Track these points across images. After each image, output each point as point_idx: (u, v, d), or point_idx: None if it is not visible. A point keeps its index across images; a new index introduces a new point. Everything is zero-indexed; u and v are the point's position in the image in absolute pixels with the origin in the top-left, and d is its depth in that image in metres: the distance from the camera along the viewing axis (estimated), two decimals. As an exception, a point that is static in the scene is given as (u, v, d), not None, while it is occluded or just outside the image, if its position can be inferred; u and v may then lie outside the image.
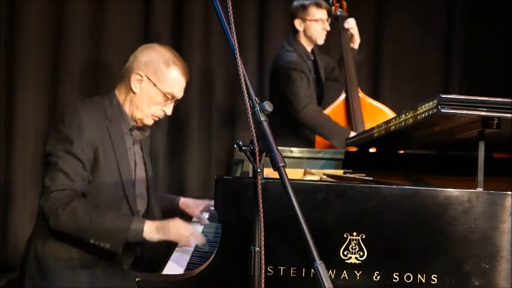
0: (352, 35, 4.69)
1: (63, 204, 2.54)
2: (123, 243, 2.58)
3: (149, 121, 2.87)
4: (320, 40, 4.59)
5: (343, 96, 4.63)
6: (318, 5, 4.49)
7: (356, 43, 4.71)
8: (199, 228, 3.03)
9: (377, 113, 4.55)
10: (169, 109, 2.87)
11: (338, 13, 4.65)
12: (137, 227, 2.56)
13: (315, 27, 4.52)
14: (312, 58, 4.66)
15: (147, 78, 2.77)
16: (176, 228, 2.59)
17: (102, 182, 2.70)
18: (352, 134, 4.35)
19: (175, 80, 2.81)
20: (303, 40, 4.58)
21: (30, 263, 2.70)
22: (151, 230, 2.58)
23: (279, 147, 1.68)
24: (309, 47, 4.61)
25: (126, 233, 2.56)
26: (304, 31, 4.55)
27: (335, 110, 4.59)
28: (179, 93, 2.85)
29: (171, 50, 2.88)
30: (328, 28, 4.56)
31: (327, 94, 4.81)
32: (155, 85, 2.77)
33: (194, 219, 3.10)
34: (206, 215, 3.10)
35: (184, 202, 3.19)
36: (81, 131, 2.65)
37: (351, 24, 4.67)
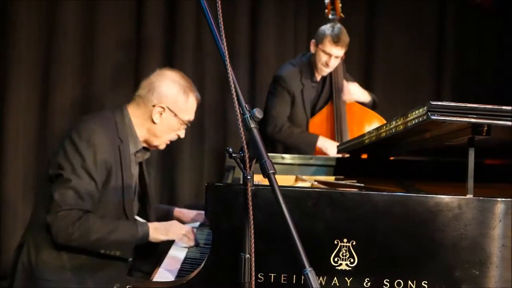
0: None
1: (72, 223, 2.56)
2: (132, 249, 2.68)
3: (163, 146, 2.99)
4: (320, 72, 4.50)
5: (329, 103, 4.59)
6: (336, 41, 4.31)
7: (365, 101, 4.61)
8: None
9: (366, 118, 4.56)
10: (182, 133, 2.97)
11: (330, 16, 4.59)
12: (143, 232, 2.67)
13: (321, 57, 4.40)
14: (315, 83, 4.56)
15: (168, 109, 2.84)
16: (177, 228, 2.74)
17: (107, 200, 2.73)
18: (323, 139, 4.38)
19: (193, 108, 2.93)
20: (313, 63, 4.50)
21: (22, 272, 2.69)
22: (156, 232, 2.70)
23: (270, 154, 1.68)
24: (316, 72, 4.52)
25: (135, 240, 2.66)
26: (314, 55, 4.47)
27: (319, 116, 4.57)
28: (193, 117, 2.96)
29: (184, 76, 2.97)
30: (329, 67, 4.42)
31: None
32: (176, 115, 2.86)
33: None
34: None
35: (179, 211, 3.28)
36: (98, 150, 2.67)
37: (349, 95, 4.55)
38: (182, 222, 3.09)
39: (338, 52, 4.37)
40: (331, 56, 4.37)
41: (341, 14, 4.60)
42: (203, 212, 3.16)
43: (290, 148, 4.42)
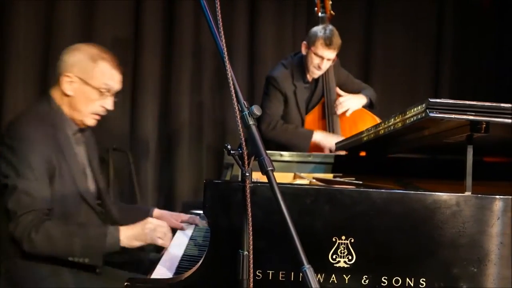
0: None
1: (35, 227, 2.50)
2: (101, 256, 2.58)
3: (91, 121, 2.84)
4: (311, 74, 4.50)
5: (321, 102, 4.59)
6: (327, 43, 4.30)
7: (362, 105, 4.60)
8: (188, 231, 3.02)
9: (358, 116, 4.56)
10: (108, 104, 2.83)
11: (320, 14, 4.56)
12: (113, 239, 2.56)
13: (313, 59, 4.38)
14: (308, 83, 4.56)
15: (77, 78, 2.74)
16: (150, 231, 2.59)
17: (60, 191, 2.65)
18: (319, 133, 4.40)
19: (105, 73, 2.78)
20: (305, 64, 4.49)
21: (4, 282, 2.66)
22: (127, 238, 2.59)
23: (269, 151, 1.68)
24: (307, 74, 4.52)
25: (103, 246, 2.56)
26: (305, 56, 4.45)
27: (312, 115, 4.57)
28: (114, 85, 2.81)
29: (96, 46, 2.85)
30: (321, 69, 4.42)
31: None
32: (86, 82, 2.74)
33: (178, 231, 3.03)
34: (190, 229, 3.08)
35: (160, 214, 3.13)
36: (34, 145, 2.59)
37: (342, 109, 4.53)
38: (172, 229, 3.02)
39: (330, 54, 4.36)
40: (323, 59, 4.36)
41: (332, 12, 4.59)
42: (185, 215, 3.11)
43: (283, 147, 4.37)
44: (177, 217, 3.09)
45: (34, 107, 2.80)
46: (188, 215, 3.11)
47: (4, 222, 2.63)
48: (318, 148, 4.37)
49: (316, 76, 4.51)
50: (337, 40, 4.34)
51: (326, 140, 4.34)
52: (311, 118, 4.57)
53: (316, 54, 4.36)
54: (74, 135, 2.79)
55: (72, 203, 2.69)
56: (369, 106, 4.64)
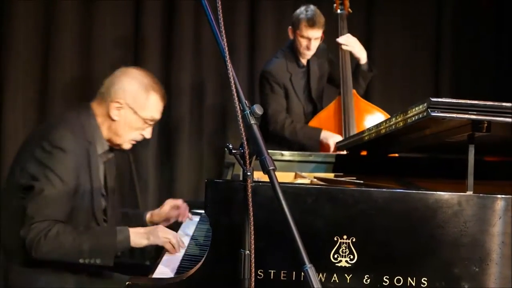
0: (350, 53, 4.53)
1: (44, 234, 2.48)
2: (113, 256, 2.56)
3: (128, 146, 2.87)
4: (304, 56, 4.52)
5: (337, 98, 4.59)
6: (310, 24, 4.33)
7: (361, 60, 4.56)
8: (189, 231, 3.02)
9: (371, 115, 4.53)
10: (148, 133, 2.87)
11: (339, 11, 4.57)
12: (123, 237, 2.57)
13: (300, 42, 4.42)
14: (302, 67, 4.58)
15: (127, 105, 2.75)
16: (163, 233, 2.61)
17: (76, 206, 2.65)
18: (326, 133, 4.39)
19: (154, 105, 2.82)
20: (295, 49, 4.51)
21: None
22: (138, 237, 2.59)
23: (270, 150, 1.68)
24: (300, 57, 4.54)
25: (114, 246, 2.56)
26: (294, 41, 4.48)
27: (327, 112, 4.57)
28: (158, 117, 2.86)
29: (149, 74, 2.87)
30: (310, 50, 4.44)
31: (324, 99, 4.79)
32: (135, 112, 2.77)
33: (179, 231, 3.04)
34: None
35: (150, 214, 3.13)
36: (70, 155, 2.59)
37: (344, 41, 4.50)
38: (157, 223, 3.01)
39: (315, 34, 4.39)
40: (310, 39, 4.39)
41: (349, 10, 4.61)
42: (176, 202, 3.10)
43: (295, 144, 4.42)
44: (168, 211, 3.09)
45: (76, 116, 2.77)
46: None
47: (11, 221, 2.62)
48: (327, 147, 4.36)
49: (308, 57, 4.53)
50: (319, 19, 4.38)
51: (332, 139, 4.34)
52: (326, 115, 4.55)
53: (302, 36, 4.40)
54: (101, 154, 2.80)
55: (83, 219, 2.69)
56: (368, 71, 4.61)
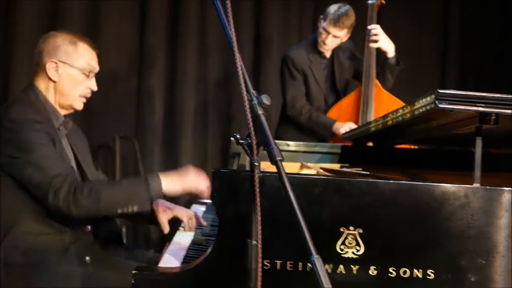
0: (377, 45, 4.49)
1: (77, 188, 2.45)
2: (149, 201, 2.53)
3: (79, 104, 2.82)
4: (321, 49, 4.57)
5: (359, 87, 4.58)
6: (335, 22, 4.37)
7: (388, 53, 4.52)
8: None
9: (392, 107, 4.51)
10: (93, 85, 2.83)
11: (369, 1, 4.58)
12: (155, 182, 2.54)
13: (321, 33, 4.49)
14: (324, 58, 4.63)
15: (61, 62, 2.74)
16: (193, 178, 2.61)
17: None
18: (339, 124, 4.42)
19: (86, 54, 2.79)
20: (317, 38, 4.57)
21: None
22: (169, 182, 2.57)
23: (275, 141, 1.68)
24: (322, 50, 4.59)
25: (148, 190, 2.52)
26: (319, 30, 4.54)
27: (348, 100, 4.60)
28: (96, 66, 2.83)
29: (68, 31, 2.87)
30: (326, 45, 4.50)
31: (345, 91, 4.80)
32: (71, 65, 2.75)
33: None
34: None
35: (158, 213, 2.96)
36: (32, 124, 2.56)
37: (373, 31, 4.47)
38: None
39: (336, 32, 4.43)
40: (329, 34, 4.44)
41: (383, 1, 4.60)
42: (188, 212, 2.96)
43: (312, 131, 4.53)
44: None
45: (24, 95, 2.76)
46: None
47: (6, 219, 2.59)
48: (339, 137, 4.38)
49: (323, 50, 4.59)
50: (346, 21, 4.40)
51: (343, 128, 4.36)
52: (347, 103, 4.59)
53: (323, 28, 4.46)
54: (59, 129, 2.78)
55: None
56: (396, 64, 4.57)
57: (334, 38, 4.46)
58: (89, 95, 2.84)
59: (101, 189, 2.50)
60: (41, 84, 2.77)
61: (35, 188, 2.51)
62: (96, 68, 2.83)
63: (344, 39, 4.54)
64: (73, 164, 2.78)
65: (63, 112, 2.80)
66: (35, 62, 2.78)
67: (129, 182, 2.61)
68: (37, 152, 2.51)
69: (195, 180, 2.62)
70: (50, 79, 2.74)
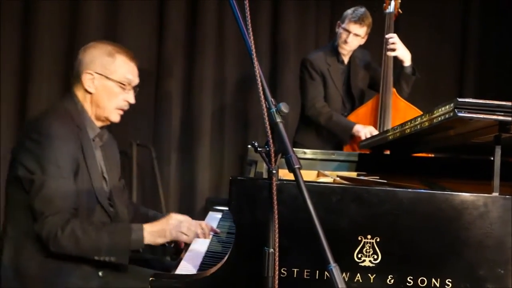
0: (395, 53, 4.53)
1: (61, 227, 2.47)
2: (127, 254, 2.56)
3: (115, 117, 2.82)
4: (342, 51, 4.63)
5: (376, 95, 4.60)
6: (355, 19, 4.47)
7: (404, 62, 4.55)
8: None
9: (409, 116, 4.51)
10: (131, 97, 2.82)
11: (387, 11, 4.62)
12: (137, 236, 2.55)
13: (341, 34, 4.56)
14: (342, 64, 4.69)
15: (97, 74, 2.74)
16: (174, 227, 2.61)
17: (79, 190, 2.62)
18: (359, 126, 4.45)
19: (123, 66, 2.78)
20: (337, 44, 4.64)
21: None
22: (151, 234, 2.58)
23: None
24: (341, 54, 4.65)
25: (128, 243, 2.54)
26: (337, 34, 4.61)
27: (365, 108, 4.62)
28: (134, 79, 2.82)
29: (109, 42, 2.86)
30: (347, 44, 4.55)
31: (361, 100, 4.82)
32: (107, 77, 2.75)
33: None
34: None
35: None
36: (61, 142, 2.56)
37: (391, 40, 4.51)
38: None
39: (357, 29, 4.51)
40: (350, 33, 4.51)
41: (399, 10, 4.66)
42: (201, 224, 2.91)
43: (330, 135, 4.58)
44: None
45: (61, 104, 2.78)
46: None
47: (16, 212, 2.61)
48: (358, 140, 4.38)
49: (345, 52, 4.65)
50: (365, 18, 4.51)
51: (363, 131, 4.38)
52: (364, 111, 4.62)
53: (344, 28, 4.53)
54: (94, 140, 2.79)
55: (88, 206, 2.66)
56: (412, 74, 4.60)
57: (355, 36, 4.52)
58: (126, 107, 2.84)
59: (82, 234, 2.49)
60: (79, 94, 2.78)
61: (31, 206, 2.53)
62: (134, 81, 2.82)
63: (362, 41, 4.59)
64: (105, 175, 2.81)
65: (99, 124, 2.81)
66: (74, 71, 2.79)
67: (111, 231, 2.57)
68: (47, 181, 2.51)
69: (176, 232, 2.62)
70: (86, 90, 2.76)
